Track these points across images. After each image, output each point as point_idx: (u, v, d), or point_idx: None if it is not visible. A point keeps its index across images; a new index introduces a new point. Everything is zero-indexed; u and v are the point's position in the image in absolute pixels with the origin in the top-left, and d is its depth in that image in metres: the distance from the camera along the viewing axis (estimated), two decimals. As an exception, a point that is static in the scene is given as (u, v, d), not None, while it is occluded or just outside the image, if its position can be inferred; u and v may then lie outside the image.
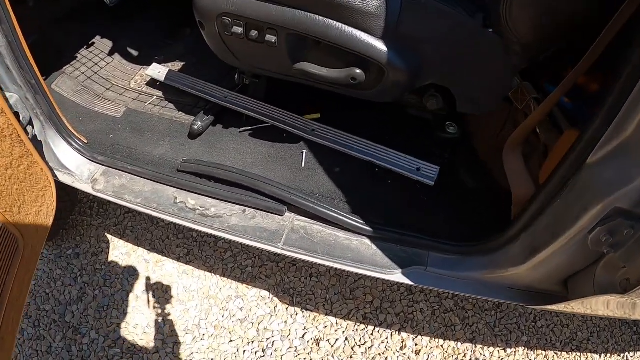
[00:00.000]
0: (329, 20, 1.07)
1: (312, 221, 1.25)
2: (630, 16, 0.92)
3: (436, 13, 1.06)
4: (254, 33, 1.15)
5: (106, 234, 1.86)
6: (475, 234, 1.19)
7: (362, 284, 1.67)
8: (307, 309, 1.62)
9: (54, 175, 1.37)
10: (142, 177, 1.36)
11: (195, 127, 1.44)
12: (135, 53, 1.94)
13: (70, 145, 1.41)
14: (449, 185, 1.37)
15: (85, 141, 1.45)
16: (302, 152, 1.41)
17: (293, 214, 1.26)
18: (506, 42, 1.07)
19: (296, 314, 1.61)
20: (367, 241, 1.22)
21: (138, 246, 1.82)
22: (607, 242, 0.85)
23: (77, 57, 1.88)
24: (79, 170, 1.41)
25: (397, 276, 1.17)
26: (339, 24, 1.07)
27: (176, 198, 1.30)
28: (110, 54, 1.92)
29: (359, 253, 1.19)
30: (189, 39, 2.00)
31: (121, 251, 1.81)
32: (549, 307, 1.13)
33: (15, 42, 1.14)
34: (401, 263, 1.18)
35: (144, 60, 1.86)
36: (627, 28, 0.93)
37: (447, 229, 1.25)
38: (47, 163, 1.28)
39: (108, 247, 1.82)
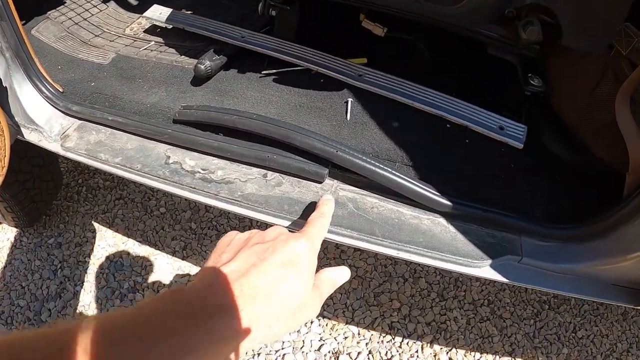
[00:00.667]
0: None
1: (364, 191, 0.87)
2: None
3: None
4: None
5: (93, 222, 1.65)
6: (570, 215, 0.89)
7: (387, 288, 1.48)
8: (324, 317, 1.43)
9: (19, 132, 1.08)
10: (125, 131, 1.00)
11: (202, 66, 1.06)
12: (134, 1, 1.59)
13: (41, 93, 1.09)
14: (537, 152, 1.02)
15: (61, 90, 1.12)
16: (347, 101, 1.02)
17: (336, 181, 0.88)
18: None
19: (311, 322, 1.42)
20: (442, 220, 0.86)
21: (128, 237, 1.60)
22: None
23: (65, 2, 1.54)
24: (49, 124, 1.08)
25: (485, 269, 0.83)
26: None
27: (169, 157, 0.93)
28: (105, 0, 1.57)
29: (433, 237, 0.82)
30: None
31: (109, 242, 1.59)
32: None
33: None
34: (490, 251, 0.84)
35: (142, 9, 1.51)
36: None
37: (540, 207, 0.92)
38: (12, 117, 1.00)
39: (94, 237, 1.62)
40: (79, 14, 1.49)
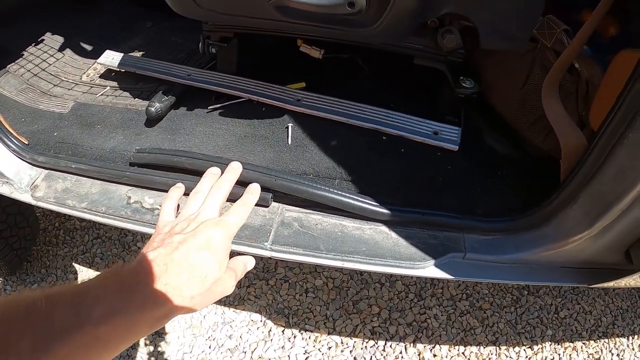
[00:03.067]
0: None
1: (308, 210, 0.97)
2: None
3: None
4: None
5: (74, 263, 1.70)
6: (514, 207, 0.98)
7: (365, 295, 1.54)
8: (306, 330, 1.47)
9: None
10: (88, 177, 1.10)
11: (153, 109, 1.16)
12: (88, 47, 1.68)
13: (8, 147, 1.18)
14: (474, 151, 1.11)
15: (26, 142, 1.21)
16: (288, 127, 1.12)
17: (281, 203, 0.98)
18: None
19: (294, 337, 1.45)
20: (384, 228, 0.95)
21: None
22: None
23: (23, 54, 1.64)
24: (18, 176, 1.16)
25: (430, 269, 0.91)
26: None
27: (129, 197, 1.02)
28: (61, 49, 1.67)
29: (375, 244, 0.92)
30: (149, 31, 1.75)
31: None
32: (612, 284, 0.94)
33: None
34: (433, 252, 0.93)
35: (98, 54, 1.60)
36: None
37: (481, 204, 1.00)
38: None
39: (76, 278, 1.67)
40: (37, 65, 1.58)
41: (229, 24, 1.18)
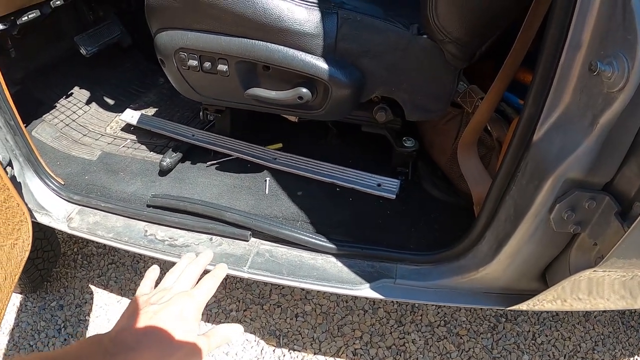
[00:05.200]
0: (272, 44, 1.21)
1: (276, 244, 1.35)
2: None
3: (371, 28, 1.20)
4: (207, 64, 1.30)
5: (90, 285, 1.94)
6: (442, 243, 1.27)
7: (349, 320, 1.73)
8: (294, 350, 1.67)
9: (32, 217, 1.48)
10: (114, 214, 1.48)
11: (164, 163, 1.57)
12: (111, 102, 2.09)
13: (48, 186, 1.53)
14: (413, 198, 1.48)
15: (62, 183, 1.57)
16: (266, 180, 1.53)
17: (258, 239, 1.36)
18: (440, 44, 1.17)
19: (284, 356, 1.66)
20: (333, 259, 1.31)
21: (122, 296, 1.91)
22: (570, 220, 0.88)
23: (56, 106, 2.03)
24: (56, 210, 1.52)
25: (365, 291, 1.24)
26: (281, 47, 1.21)
27: (146, 231, 1.41)
28: (88, 102, 2.07)
29: (324, 271, 1.28)
30: (161, 88, 2.17)
31: (105, 302, 1.89)
32: (526, 305, 1.14)
33: None
34: (369, 278, 1.26)
35: (119, 108, 2.02)
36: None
37: (413, 240, 1.34)
38: (25, 204, 1.37)
39: (92, 298, 1.89)
40: (68, 116, 1.97)
41: (221, 103, 1.55)
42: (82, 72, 2.21)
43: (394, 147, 1.55)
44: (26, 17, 1.71)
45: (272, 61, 1.23)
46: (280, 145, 1.64)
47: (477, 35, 1.16)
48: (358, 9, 1.23)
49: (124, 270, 1.98)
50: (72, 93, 2.12)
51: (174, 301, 0.68)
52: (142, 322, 0.64)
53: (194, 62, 1.30)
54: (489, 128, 1.39)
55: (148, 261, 2.03)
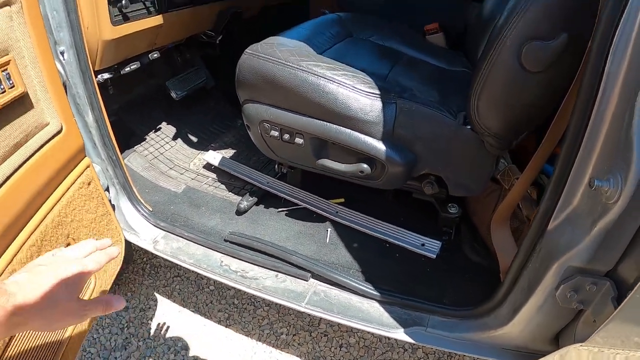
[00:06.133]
0: (341, 127, 1.50)
1: (331, 286, 1.60)
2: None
3: (425, 117, 1.45)
4: (286, 136, 1.60)
5: (155, 293, 2.16)
6: (471, 301, 1.45)
7: (389, 356, 1.89)
8: None
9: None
10: (195, 243, 1.76)
11: (242, 205, 1.86)
12: (194, 139, 2.42)
13: (138, 211, 1.81)
14: (452, 259, 1.69)
15: (150, 209, 1.86)
16: (327, 230, 1.80)
17: (316, 280, 1.63)
18: (481, 136, 1.40)
19: None
20: (376, 304, 1.55)
21: (184, 307, 2.12)
22: (573, 299, 1.02)
23: (146, 138, 2.38)
24: (144, 232, 1.80)
25: (399, 334, 1.46)
26: (348, 130, 1.49)
27: (222, 262, 1.69)
28: (174, 138, 2.41)
29: (368, 314, 1.52)
30: (239, 129, 2.49)
31: (167, 310, 2.10)
32: None
33: (102, 124, 1.60)
34: (404, 324, 1.47)
35: (201, 146, 2.34)
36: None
37: (447, 296, 1.54)
38: (119, 223, 1.65)
39: (156, 305, 2.11)
40: (156, 149, 2.30)
41: (295, 165, 1.80)
42: (170, 109, 2.56)
43: (439, 212, 1.79)
44: (129, 68, 2.06)
45: (340, 141, 1.52)
46: (342, 200, 1.91)
47: (513, 131, 1.38)
48: (415, 96, 1.49)
49: (187, 284, 2.20)
50: (160, 128, 2.47)
51: (58, 263, 0.76)
52: (26, 274, 0.72)
53: (275, 133, 1.60)
54: (519, 205, 1.61)
55: (211, 279, 2.21)
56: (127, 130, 2.36)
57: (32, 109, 1.08)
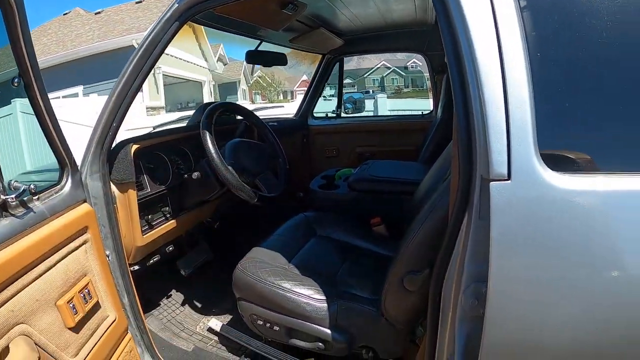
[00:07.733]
0: (302, 321, 2.23)
1: None
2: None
3: (357, 312, 2.11)
4: (268, 324, 2.30)
5: None
6: None
7: None
8: None
9: None
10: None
11: (239, 364, 2.61)
12: (199, 304, 3.18)
13: None
14: None
15: None
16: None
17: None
18: (391, 322, 2.14)
19: None
20: None
21: None
22: None
23: (160, 304, 3.10)
24: None
25: None
26: (307, 323, 2.18)
27: (225, 411, 2.41)
28: (182, 304, 3.16)
29: None
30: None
31: None
32: None
33: (135, 304, 2.32)
34: None
35: (205, 310, 3.10)
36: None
37: None
38: None
39: None
40: (169, 314, 3.05)
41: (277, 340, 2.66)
42: (177, 278, 3.28)
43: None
44: (152, 261, 2.85)
45: (302, 329, 2.27)
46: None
47: (412, 317, 2.16)
48: (353, 295, 2.27)
49: None
50: (171, 295, 3.23)
51: None
52: None
53: (260, 322, 2.37)
54: None
55: None
56: (145, 298, 3.07)
57: (100, 308, 1.89)
